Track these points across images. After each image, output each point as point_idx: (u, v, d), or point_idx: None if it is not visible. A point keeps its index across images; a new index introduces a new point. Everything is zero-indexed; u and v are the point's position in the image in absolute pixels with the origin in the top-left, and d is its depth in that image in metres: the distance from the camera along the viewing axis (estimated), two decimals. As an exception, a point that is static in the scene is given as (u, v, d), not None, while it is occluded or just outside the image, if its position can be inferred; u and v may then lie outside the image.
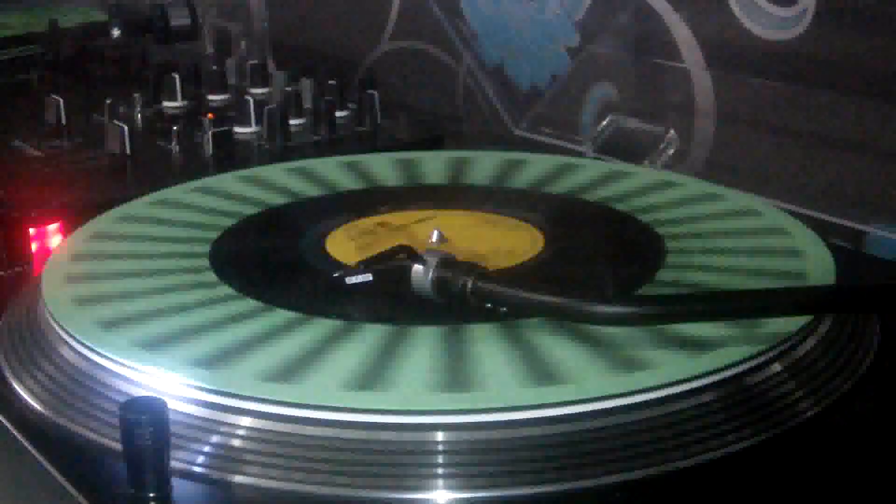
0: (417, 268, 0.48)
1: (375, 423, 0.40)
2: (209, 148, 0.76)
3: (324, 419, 0.40)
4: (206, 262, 0.54)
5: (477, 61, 0.94)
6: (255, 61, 0.95)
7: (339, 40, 1.08)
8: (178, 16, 1.05)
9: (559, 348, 0.44)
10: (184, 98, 0.88)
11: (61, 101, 0.84)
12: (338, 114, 0.84)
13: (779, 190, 0.70)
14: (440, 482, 0.39)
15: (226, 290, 0.51)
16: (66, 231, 0.62)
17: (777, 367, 0.45)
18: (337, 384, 0.42)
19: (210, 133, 0.76)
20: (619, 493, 0.39)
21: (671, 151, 0.77)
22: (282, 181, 0.66)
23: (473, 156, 0.71)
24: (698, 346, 0.44)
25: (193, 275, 0.53)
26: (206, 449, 0.41)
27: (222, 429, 0.41)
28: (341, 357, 0.44)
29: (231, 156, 0.76)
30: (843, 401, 0.45)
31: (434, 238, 0.56)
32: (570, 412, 0.40)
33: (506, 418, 0.40)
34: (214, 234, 0.58)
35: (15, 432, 0.44)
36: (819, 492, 0.40)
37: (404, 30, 1.02)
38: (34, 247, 0.62)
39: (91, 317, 0.48)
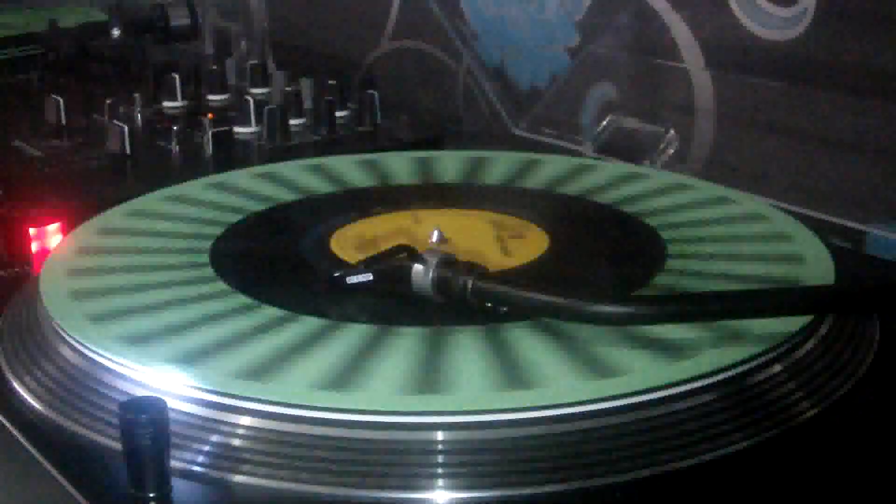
0: (418, 267, 0.48)
1: (354, 421, 0.40)
2: (209, 148, 0.76)
3: (306, 417, 0.40)
4: (206, 259, 0.54)
5: (477, 61, 0.94)
6: (255, 61, 0.95)
7: (339, 40, 1.08)
8: (178, 16, 1.05)
9: (541, 353, 0.44)
10: (184, 98, 0.88)
11: (61, 101, 0.84)
12: (338, 114, 0.84)
13: (779, 190, 0.70)
14: (424, 482, 0.39)
15: (222, 286, 0.51)
16: (66, 231, 0.62)
17: (777, 367, 0.45)
18: (319, 383, 0.42)
19: (210, 133, 0.76)
20: (618, 493, 0.39)
21: (671, 151, 0.77)
22: (295, 178, 0.66)
23: (488, 155, 0.71)
24: (698, 346, 0.44)
25: (193, 272, 0.53)
26: (204, 448, 0.41)
27: (213, 426, 0.41)
28: (325, 355, 0.44)
29: (231, 156, 0.76)
30: (843, 401, 0.45)
31: (434, 238, 0.56)
32: (554, 414, 0.40)
33: (477, 420, 0.40)
34: (219, 231, 0.58)
35: (15, 432, 0.44)
36: (819, 492, 0.40)
37: (404, 30, 1.02)
38: (34, 247, 0.62)
39: (90, 316, 0.48)
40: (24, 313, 0.52)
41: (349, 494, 0.39)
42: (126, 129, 0.76)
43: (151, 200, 0.63)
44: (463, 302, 0.47)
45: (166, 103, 0.88)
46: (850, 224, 0.68)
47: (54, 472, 0.41)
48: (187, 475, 0.40)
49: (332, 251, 0.55)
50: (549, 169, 0.68)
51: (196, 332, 0.46)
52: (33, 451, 0.43)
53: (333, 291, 0.50)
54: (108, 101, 0.83)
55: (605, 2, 0.83)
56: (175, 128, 0.78)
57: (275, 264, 0.56)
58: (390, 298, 0.49)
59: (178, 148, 0.77)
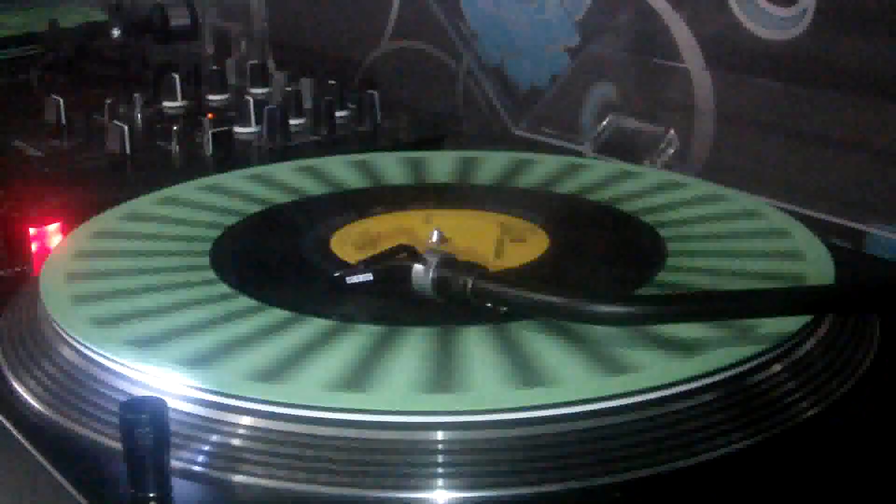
0: (418, 267, 0.48)
1: (366, 422, 0.40)
2: (209, 148, 0.76)
3: (316, 418, 0.40)
4: (206, 261, 0.54)
5: (477, 61, 0.94)
6: (255, 61, 0.95)
7: (339, 40, 1.08)
8: (178, 16, 1.05)
9: (552, 350, 0.44)
10: (184, 98, 0.88)
11: (61, 101, 0.84)
12: (338, 114, 0.84)
13: (779, 190, 0.70)
14: (430, 482, 0.39)
15: (224, 288, 0.51)
16: (66, 231, 0.62)
17: (777, 367, 0.45)
18: (328, 383, 0.42)
19: (210, 133, 0.76)
20: (619, 493, 0.39)
21: (671, 151, 0.77)
22: (288, 180, 0.66)
23: (480, 155, 0.71)
24: (698, 345, 0.44)
25: (193, 273, 0.53)
26: (205, 448, 0.41)
27: (222, 428, 0.41)
28: (333, 356, 0.44)
29: (231, 156, 0.76)
30: (843, 401, 0.45)
31: (434, 238, 0.56)
32: (560, 413, 0.40)
33: (492, 419, 0.40)
34: (217, 233, 0.58)
35: (15, 432, 0.44)
36: (819, 492, 0.40)
37: (404, 30, 1.02)
38: (34, 247, 0.62)
39: (91, 316, 0.48)
40: (24, 313, 0.52)
41: (371, 495, 0.39)
42: (126, 129, 0.76)
43: (143, 203, 0.62)
44: (463, 302, 0.47)
45: (166, 103, 0.88)
46: (850, 224, 0.68)
47: (54, 472, 0.41)
48: (187, 475, 0.40)
49: (333, 251, 0.55)
50: (541, 168, 0.68)
51: (200, 333, 0.46)
52: (33, 451, 0.43)
53: (337, 292, 0.50)
54: (108, 101, 0.83)
55: (605, 2, 0.83)
56: (175, 128, 0.78)
57: (276, 265, 0.56)
58: (395, 298, 0.49)
59: (178, 148, 0.77)
